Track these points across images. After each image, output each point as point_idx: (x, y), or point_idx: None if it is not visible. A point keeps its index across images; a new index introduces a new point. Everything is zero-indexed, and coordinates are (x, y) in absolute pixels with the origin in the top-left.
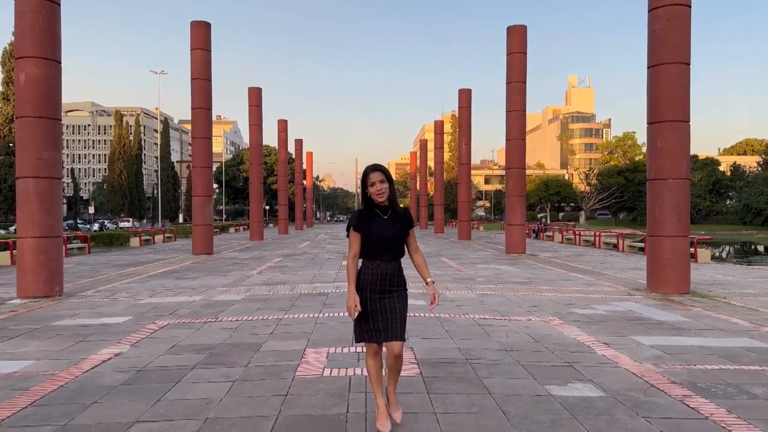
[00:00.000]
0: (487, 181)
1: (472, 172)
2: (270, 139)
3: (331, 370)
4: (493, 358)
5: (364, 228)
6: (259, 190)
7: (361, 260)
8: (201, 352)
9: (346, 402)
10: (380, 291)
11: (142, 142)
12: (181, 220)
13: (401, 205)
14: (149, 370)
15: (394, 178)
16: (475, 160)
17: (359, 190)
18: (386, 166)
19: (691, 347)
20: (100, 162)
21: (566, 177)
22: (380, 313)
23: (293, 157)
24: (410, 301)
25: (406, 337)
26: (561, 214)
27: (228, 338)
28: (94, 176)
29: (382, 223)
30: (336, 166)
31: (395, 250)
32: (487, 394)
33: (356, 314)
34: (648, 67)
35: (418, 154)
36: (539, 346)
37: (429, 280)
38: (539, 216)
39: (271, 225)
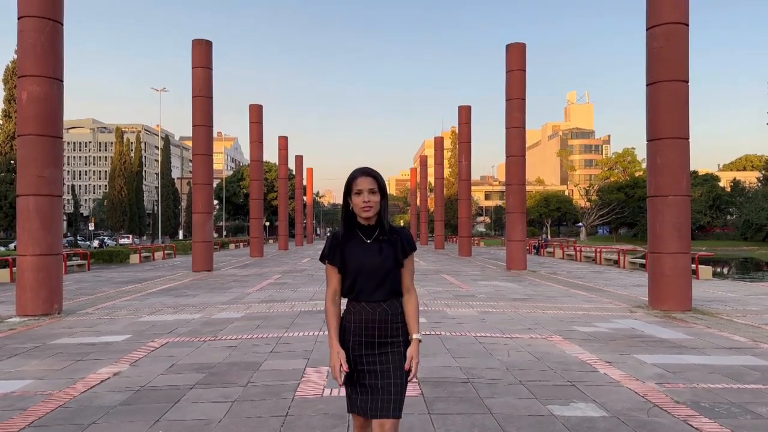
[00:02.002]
0: (487, 197)
1: (473, 188)
2: (270, 155)
3: (331, 390)
4: (494, 377)
5: (335, 257)
6: (260, 206)
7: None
8: (200, 372)
9: (347, 423)
10: (367, 344)
11: (143, 159)
12: (181, 236)
13: (398, 224)
14: (148, 389)
15: (393, 194)
16: (475, 176)
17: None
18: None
19: (694, 365)
20: (100, 178)
21: (566, 193)
22: (367, 375)
23: (293, 173)
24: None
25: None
26: (562, 229)
27: (227, 357)
28: (94, 193)
29: (362, 248)
30: (336, 182)
31: (386, 286)
32: (488, 414)
33: (343, 376)
34: (647, 85)
35: (418, 170)
36: (541, 365)
37: (415, 337)
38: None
39: (271, 241)
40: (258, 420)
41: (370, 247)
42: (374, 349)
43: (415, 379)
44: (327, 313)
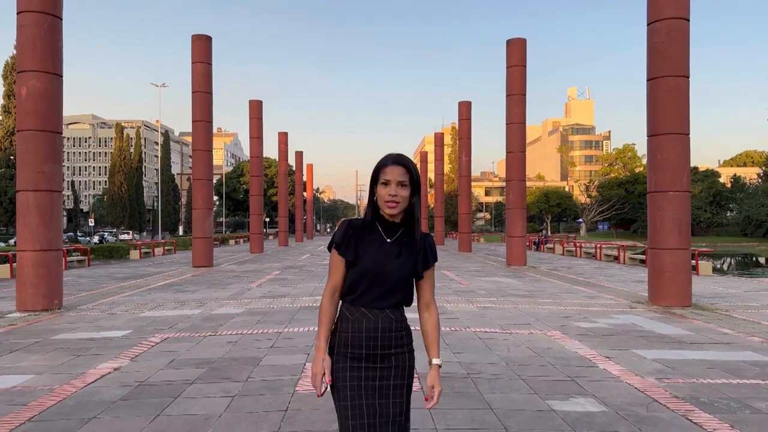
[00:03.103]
0: (487, 192)
1: (473, 183)
2: (270, 151)
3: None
4: (494, 373)
5: (349, 248)
6: (260, 202)
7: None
8: (200, 367)
9: None
10: (368, 357)
11: (143, 155)
12: (181, 232)
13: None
14: (148, 384)
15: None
16: (475, 172)
17: (360, 201)
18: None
19: (694, 361)
20: (100, 174)
21: (566, 189)
22: (365, 392)
23: (293, 169)
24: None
25: None
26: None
27: (228, 352)
28: (94, 189)
29: (379, 246)
30: (336, 178)
31: (396, 297)
32: (488, 409)
33: (324, 388)
34: (647, 80)
35: (418, 166)
36: (541, 360)
37: (435, 362)
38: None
39: (271, 237)
40: (258, 415)
41: (389, 248)
42: (376, 361)
43: (414, 375)
44: (321, 309)
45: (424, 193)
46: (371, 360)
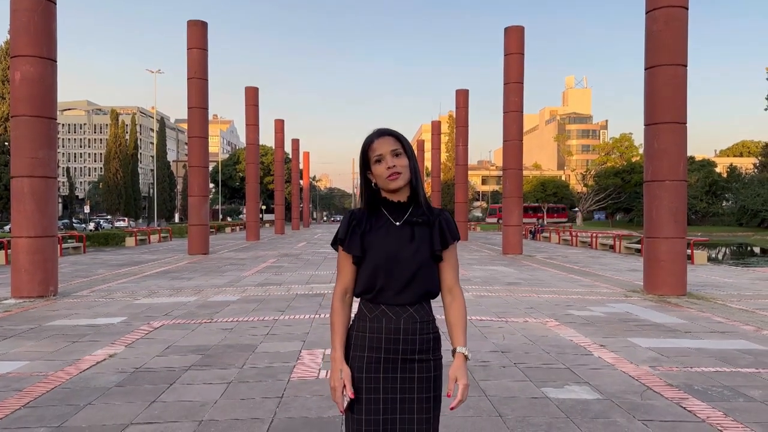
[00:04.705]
0: (484, 181)
1: (469, 172)
2: (266, 138)
3: (327, 372)
4: (489, 360)
5: (353, 242)
6: (256, 189)
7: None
8: (196, 354)
9: None
10: (387, 362)
11: (138, 141)
12: (176, 219)
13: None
14: (144, 371)
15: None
16: (472, 160)
17: (357, 191)
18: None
19: (688, 349)
20: (96, 161)
21: (563, 178)
22: (381, 408)
23: (290, 156)
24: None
25: None
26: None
27: (223, 339)
28: (89, 175)
29: (388, 233)
30: (332, 166)
31: (417, 286)
32: (483, 396)
33: (346, 403)
34: (645, 69)
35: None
36: (536, 348)
37: (459, 350)
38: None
39: (267, 225)
40: (254, 401)
41: (399, 232)
42: (396, 370)
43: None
44: (333, 315)
45: (421, 172)
46: (391, 368)
